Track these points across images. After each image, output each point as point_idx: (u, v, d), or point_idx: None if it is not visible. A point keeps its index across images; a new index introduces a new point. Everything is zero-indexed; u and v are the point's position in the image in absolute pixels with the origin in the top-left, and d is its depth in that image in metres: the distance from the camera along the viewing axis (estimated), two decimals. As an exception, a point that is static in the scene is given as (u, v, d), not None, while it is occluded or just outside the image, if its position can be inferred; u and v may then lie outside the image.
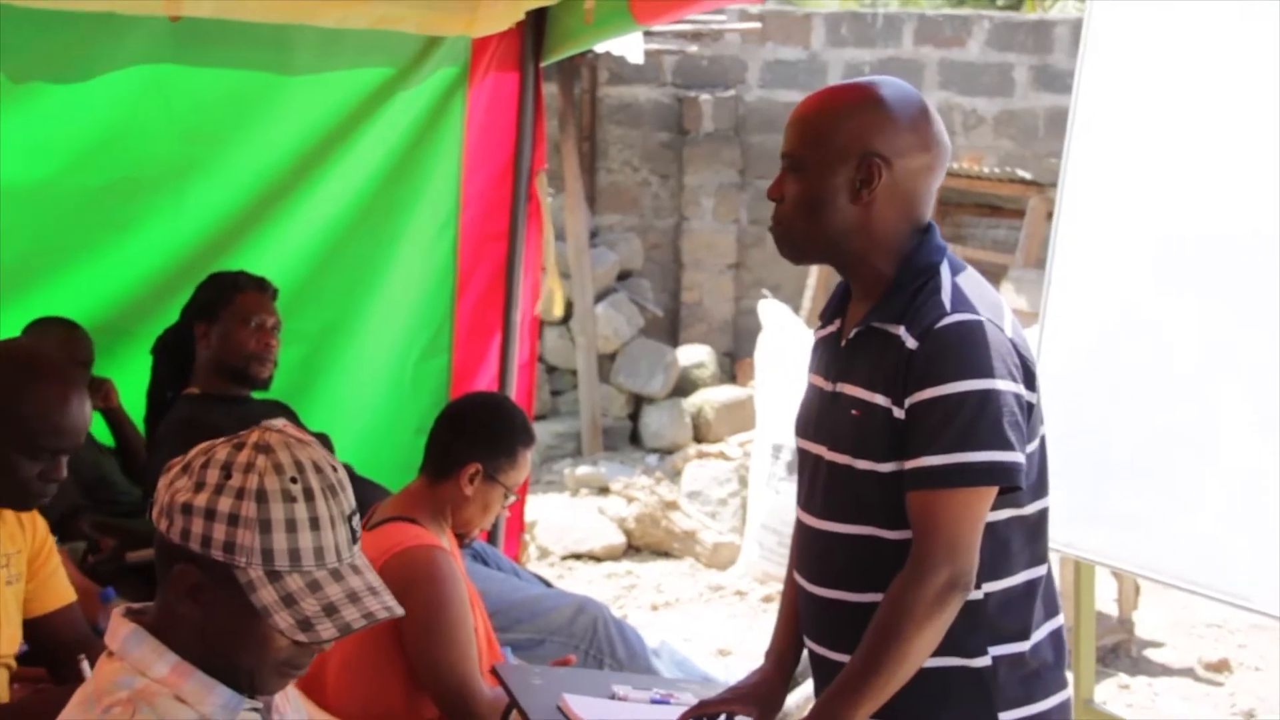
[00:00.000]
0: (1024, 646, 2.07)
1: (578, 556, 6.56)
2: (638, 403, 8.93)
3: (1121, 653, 5.32)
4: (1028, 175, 8.19)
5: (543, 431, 8.51)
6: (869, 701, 1.96)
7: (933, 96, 10.29)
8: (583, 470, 7.65)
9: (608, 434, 8.64)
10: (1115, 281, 3.42)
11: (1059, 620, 2.17)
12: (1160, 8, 3.36)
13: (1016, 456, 1.97)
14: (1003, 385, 1.97)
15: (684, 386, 8.96)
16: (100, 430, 3.97)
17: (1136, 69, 3.40)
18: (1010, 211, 8.96)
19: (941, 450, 1.95)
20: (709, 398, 8.65)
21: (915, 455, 1.98)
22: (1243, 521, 3.01)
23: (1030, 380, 2.05)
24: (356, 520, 1.65)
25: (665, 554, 6.64)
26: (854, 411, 2.07)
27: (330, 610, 1.57)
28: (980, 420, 1.95)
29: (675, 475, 7.40)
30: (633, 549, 6.69)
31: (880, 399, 2.03)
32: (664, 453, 8.34)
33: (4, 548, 2.59)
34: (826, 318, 2.24)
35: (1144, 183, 3.37)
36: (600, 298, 8.97)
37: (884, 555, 2.04)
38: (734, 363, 9.59)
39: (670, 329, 9.93)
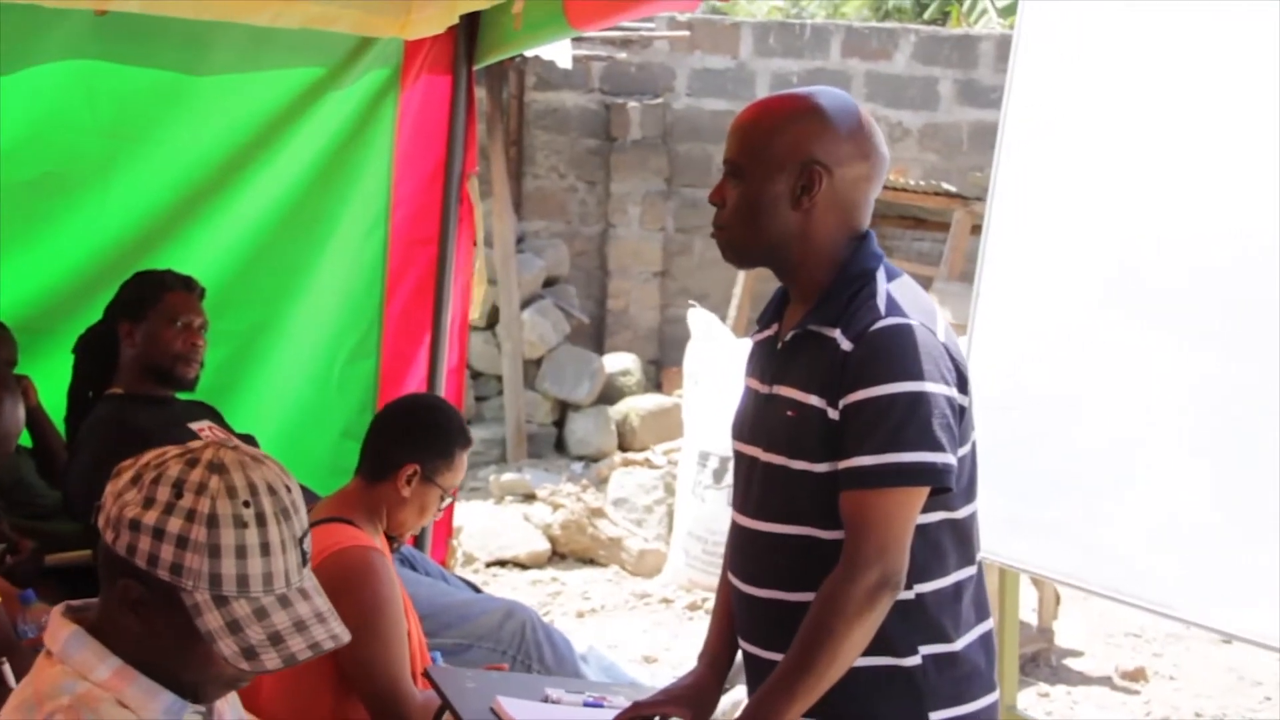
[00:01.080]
0: (955, 647, 2.11)
1: (503, 563, 6.54)
2: (563, 410, 8.92)
3: (1041, 661, 5.40)
4: (952, 188, 8.29)
5: (467, 437, 8.47)
6: (801, 700, 1.98)
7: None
8: (508, 477, 7.63)
9: (533, 441, 8.62)
10: (1044, 294, 3.47)
11: (989, 624, 2.21)
12: (1090, 20, 3.42)
13: (947, 458, 2.00)
14: (934, 388, 2.00)
15: (610, 394, 8.96)
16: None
17: (1066, 82, 3.46)
18: (935, 224, 9.06)
19: (873, 450, 1.98)
20: (635, 405, 8.66)
21: (848, 456, 2.01)
22: (1164, 531, 3.06)
23: (963, 384, 2.09)
24: (308, 542, 1.62)
25: (591, 561, 6.64)
26: (789, 412, 2.10)
27: (276, 639, 1.55)
28: (911, 421, 1.98)
29: (601, 483, 7.39)
30: (558, 556, 6.68)
31: (815, 400, 2.06)
32: (589, 460, 8.34)
33: None
34: (764, 321, 2.27)
35: (1073, 198, 3.43)
36: (526, 304, 8.95)
37: (819, 555, 2.06)
38: (660, 371, 9.60)
39: (596, 336, 9.93)
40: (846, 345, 2.04)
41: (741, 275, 8.61)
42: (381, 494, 2.84)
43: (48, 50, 3.76)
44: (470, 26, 4.11)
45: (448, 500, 2.94)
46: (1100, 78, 3.38)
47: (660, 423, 8.38)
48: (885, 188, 7.22)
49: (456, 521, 6.60)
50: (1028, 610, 5.60)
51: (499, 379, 8.81)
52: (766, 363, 2.21)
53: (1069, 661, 5.45)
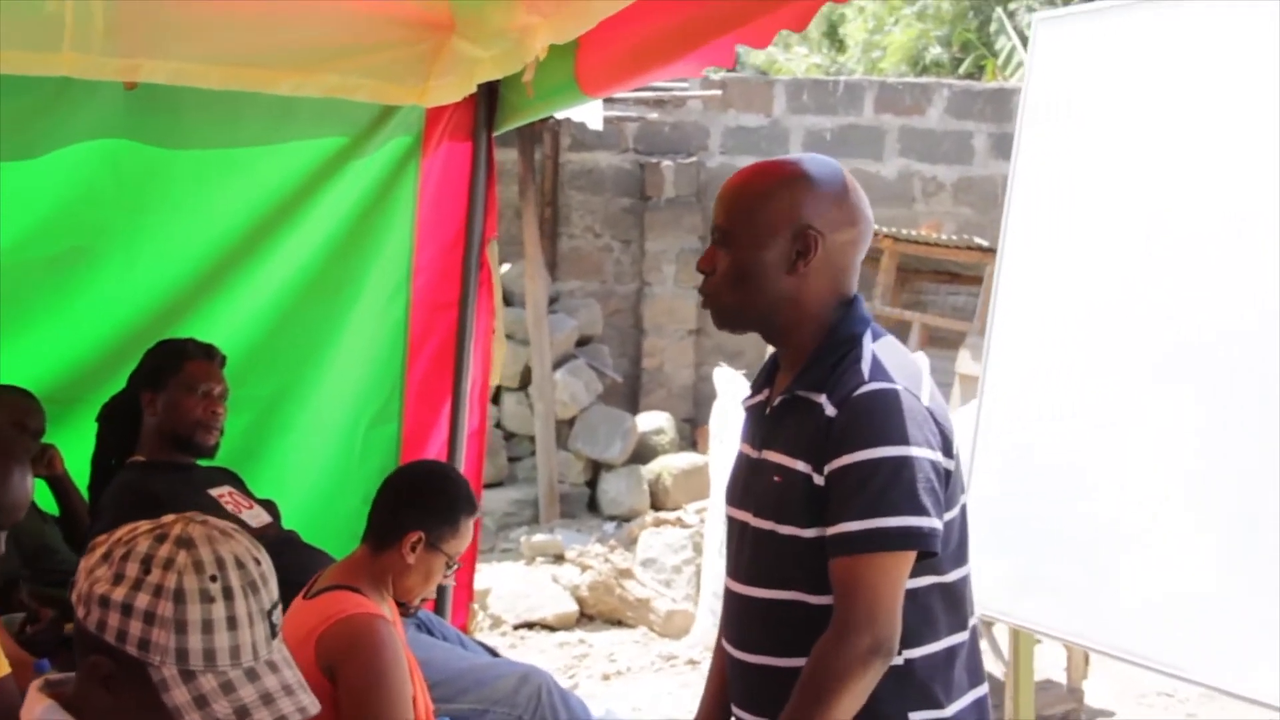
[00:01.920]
0: (946, 713, 2.10)
1: (530, 625, 6.54)
2: (596, 469, 8.93)
3: (1071, 722, 5.34)
4: (985, 242, 8.30)
5: (499, 498, 8.51)
6: None
7: (893, 164, 10.43)
8: (538, 538, 7.64)
9: (565, 501, 8.63)
10: (1055, 353, 3.47)
11: (983, 689, 2.20)
12: (1097, 77, 3.43)
13: (932, 522, 2.00)
14: (917, 452, 2.01)
15: (643, 453, 8.98)
16: (44, 498, 3.95)
17: (1073, 134, 3.47)
18: (968, 278, 9.05)
19: (857, 516, 1.99)
20: (667, 465, 8.66)
21: (834, 522, 2.01)
22: (1177, 593, 3.04)
23: (948, 448, 2.09)
24: (278, 614, 1.64)
25: (619, 622, 6.63)
26: (776, 478, 2.11)
27: (242, 713, 1.56)
28: (895, 486, 1.99)
29: (631, 543, 7.39)
30: (586, 617, 6.67)
31: (801, 465, 2.07)
32: (622, 520, 8.34)
33: None
34: (756, 387, 2.30)
35: (1083, 254, 3.43)
36: (559, 364, 8.99)
37: (808, 621, 2.07)
38: (694, 429, 9.62)
39: (631, 395, 9.96)
40: (831, 410, 2.05)
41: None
42: (387, 561, 2.86)
43: (76, 128, 3.83)
44: (490, 93, 4.17)
45: (454, 566, 2.96)
46: (1107, 129, 3.40)
47: (693, 481, 8.38)
48: (919, 242, 7.26)
49: (485, 583, 6.63)
50: (1057, 670, 5.54)
51: (532, 439, 8.85)
52: (756, 428, 2.24)
53: (1100, 722, 5.39)
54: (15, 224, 3.86)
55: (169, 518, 1.63)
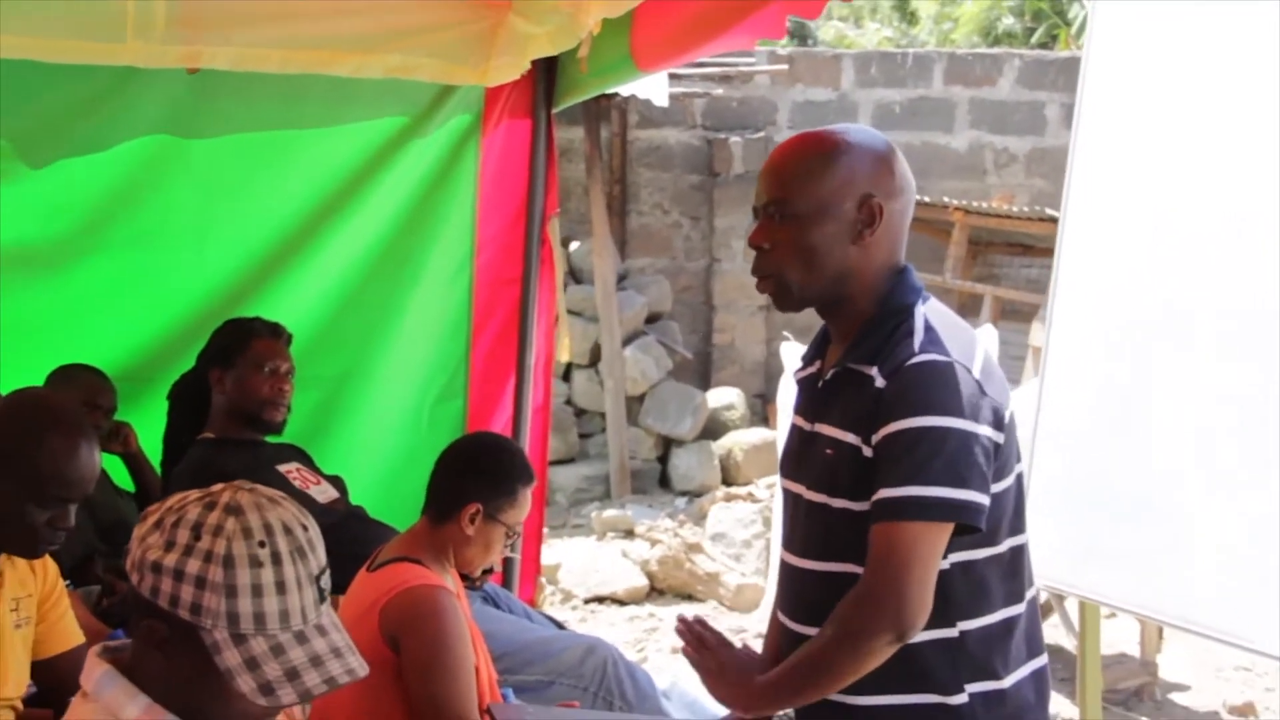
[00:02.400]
0: (1003, 684, 2.08)
1: (600, 600, 6.58)
2: (667, 445, 8.96)
3: (1145, 695, 5.28)
4: (1059, 214, 8.16)
5: (571, 474, 8.57)
6: (791, 698, 2.08)
7: (964, 135, 10.32)
8: (610, 513, 7.68)
9: (636, 477, 8.67)
10: (1117, 321, 3.43)
11: (1042, 660, 2.18)
12: (1160, 40, 3.38)
13: (973, 496, 1.98)
14: (964, 425, 1.99)
15: (713, 429, 8.99)
16: (120, 475, 4.04)
17: (1134, 105, 3.42)
18: (1042, 250, 8.95)
19: (897, 483, 1.97)
20: (738, 440, 8.67)
21: (876, 489, 2.01)
22: (1241, 563, 3.00)
23: (999, 420, 2.06)
24: (326, 579, 1.68)
25: (689, 596, 6.66)
26: (828, 451, 2.11)
27: (292, 675, 1.60)
28: (938, 456, 1.97)
29: (701, 518, 7.41)
30: (656, 591, 6.71)
31: (851, 438, 2.07)
32: (693, 495, 8.36)
33: (14, 592, 2.64)
34: (807, 359, 2.28)
35: (1146, 222, 3.39)
36: (629, 341, 9.02)
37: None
38: (765, 405, 9.61)
39: (702, 371, 9.96)
40: (881, 382, 2.04)
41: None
42: (447, 533, 2.89)
43: (144, 116, 3.93)
44: (549, 70, 4.20)
45: (514, 537, 2.99)
46: (1170, 100, 3.35)
47: (764, 456, 8.38)
48: (991, 214, 7.20)
49: (556, 558, 6.68)
50: (1131, 643, 5.49)
51: (603, 416, 8.89)
52: (808, 401, 2.23)
53: (1174, 696, 5.32)
54: (83, 211, 3.96)
55: (218, 486, 1.67)
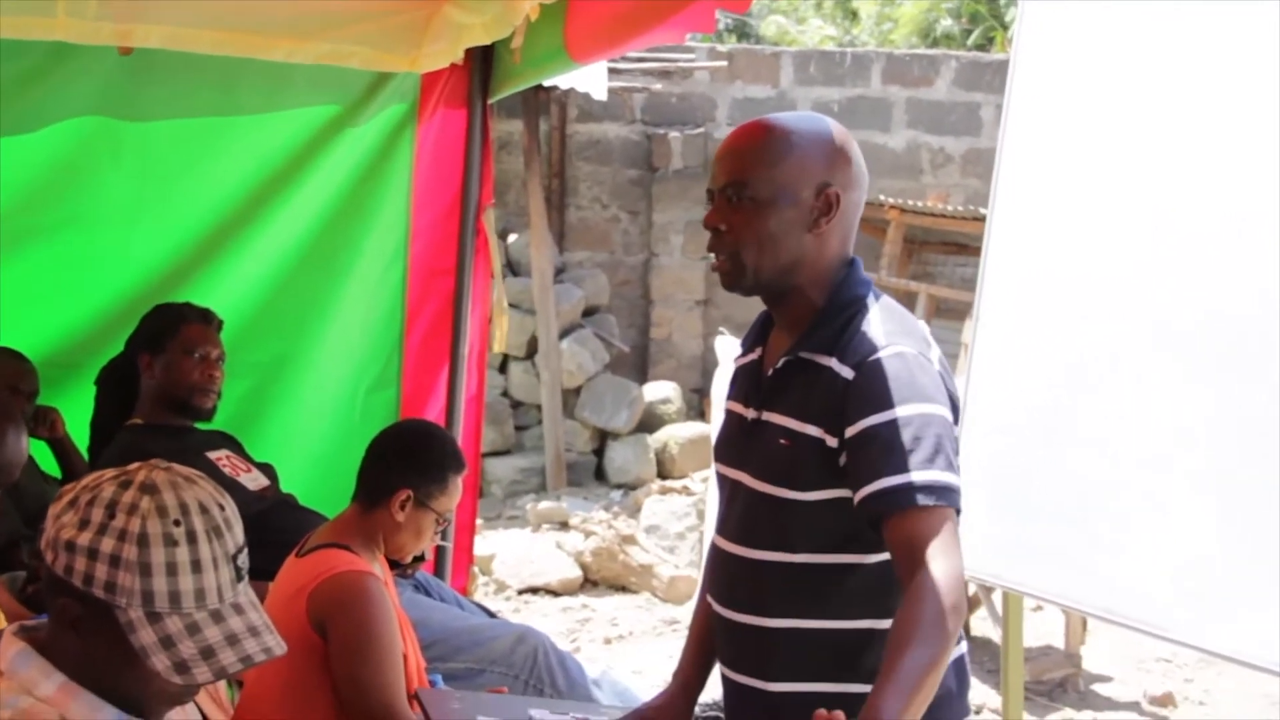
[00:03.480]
0: None
1: (535, 590, 6.59)
2: (603, 438, 8.98)
3: (1069, 686, 5.37)
4: (989, 213, 8.24)
5: (507, 466, 8.56)
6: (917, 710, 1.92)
7: (900, 135, 10.41)
8: (545, 505, 7.69)
9: (572, 469, 8.68)
10: (1045, 318, 3.47)
11: (962, 648, 2.19)
12: (1085, 45, 3.43)
13: (959, 480, 1.99)
14: (939, 410, 2.00)
15: (650, 422, 9.02)
16: (46, 460, 4.00)
17: (1063, 103, 3.47)
18: (976, 249, 8.92)
19: (896, 472, 1.95)
20: (674, 434, 8.70)
21: (867, 482, 1.97)
22: (1162, 556, 3.05)
23: (957, 412, 2.09)
24: (243, 558, 1.67)
25: (622, 588, 6.68)
26: (782, 440, 2.09)
27: (207, 653, 1.59)
28: (925, 441, 1.96)
29: (636, 510, 7.43)
30: (590, 583, 6.73)
31: (812, 429, 2.06)
32: (629, 488, 8.39)
33: None
34: (747, 345, 2.27)
35: (1074, 219, 3.43)
36: (566, 333, 9.03)
37: (798, 581, 2.08)
38: (701, 399, 9.64)
39: (640, 365, 9.99)
40: (847, 373, 2.03)
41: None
42: (377, 519, 2.89)
43: (74, 96, 3.88)
44: (485, 60, 4.19)
45: (444, 524, 2.99)
46: (1096, 100, 3.40)
47: (700, 450, 8.42)
48: (926, 213, 7.25)
49: (490, 549, 6.68)
50: (1056, 635, 5.58)
51: (538, 408, 8.89)
52: (752, 388, 2.20)
53: (1097, 687, 5.42)
54: (12, 192, 3.90)
55: (134, 465, 1.66)
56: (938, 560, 1.90)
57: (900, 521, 1.94)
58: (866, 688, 2.03)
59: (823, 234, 2.11)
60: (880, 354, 2.02)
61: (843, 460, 2.03)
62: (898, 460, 1.95)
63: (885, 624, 2.03)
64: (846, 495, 2.03)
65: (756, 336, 2.26)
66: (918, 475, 1.94)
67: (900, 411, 1.98)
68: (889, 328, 2.07)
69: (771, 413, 2.13)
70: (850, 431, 2.01)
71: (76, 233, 4.06)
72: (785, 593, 2.10)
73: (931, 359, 2.07)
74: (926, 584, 1.89)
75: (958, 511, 1.98)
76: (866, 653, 2.04)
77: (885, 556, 2.02)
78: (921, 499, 1.94)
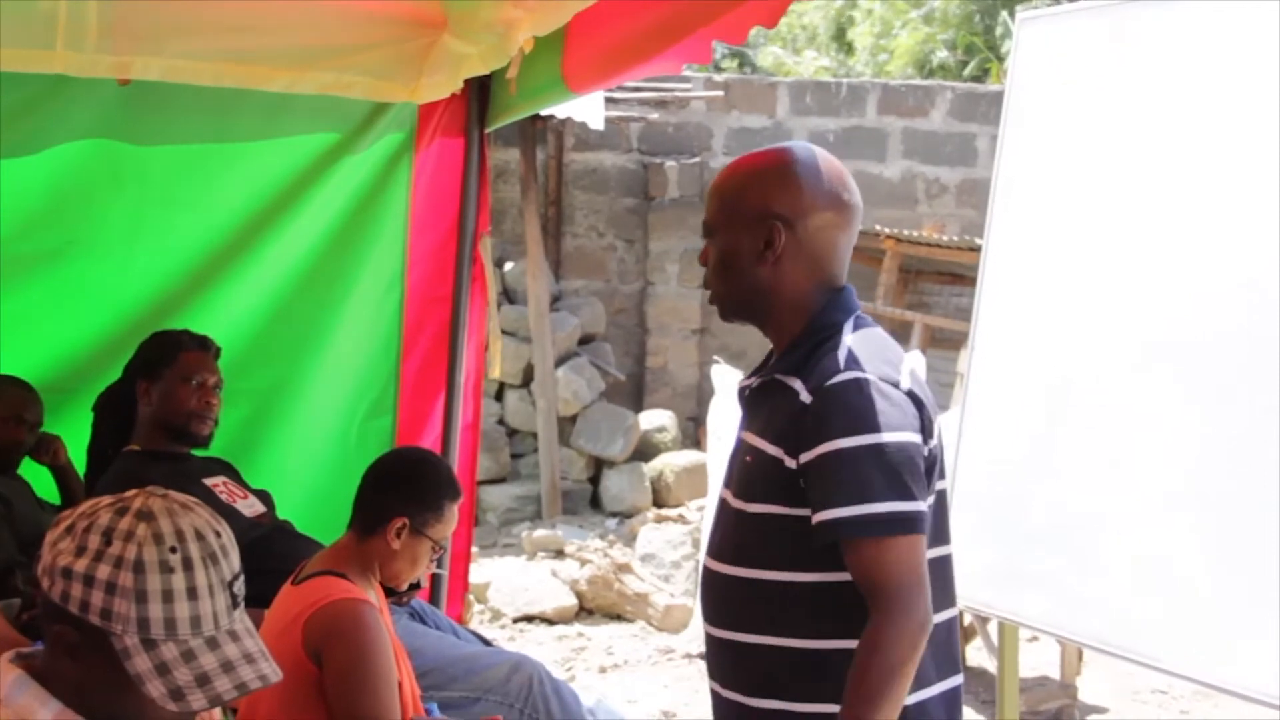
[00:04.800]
0: (922, 697, 2.10)
1: (530, 619, 6.58)
2: (598, 466, 8.97)
3: (1064, 717, 5.35)
4: (984, 243, 8.26)
5: (502, 494, 8.56)
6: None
7: (896, 165, 10.45)
8: (540, 533, 7.68)
9: (568, 497, 8.68)
10: (1037, 351, 3.49)
11: (956, 680, 2.19)
12: (1080, 76, 3.45)
13: (915, 506, 2.01)
14: (892, 437, 2.02)
15: (645, 451, 9.01)
16: (42, 486, 4.00)
17: (1055, 138, 3.50)
18: (971, 279, 8.95)
19: (847, 502, 1.99)
20: (669, 462, 8.70)
21: (822, 508, 2.03)
22: (1158, 587, 3.06)
23: (928, 430, 2.10)
24: (239, 585, 1.68)
25: (618, 616, 6.67)
26: (748, 458, 2.16)
27: (202, 680, 1.60)
28: (878, 471, 2.00)
29: (632, 539, 7.43)
30: (585, 611, 6.72)
31: (773, 449, 2.10)
32: (624, 516, 8.38)
33: None
34: (754, 373, 2.31)
35: (1063, 253, 3.46)
36: (562, 361, 9.04)
37: (764, 598, 2.11)
38: (697, 428, 9.65)
39: (635, 394, 10.00)
40: (806, 397, 2.07)
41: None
42: (373, 547, 2.90)
43: (73, 125, 3.90)
44: (482, 90, 4.22)
45: (440, 552, 3.00)
46: (1091, 128, 3.42)
47: (695, 479, 8.42)
48: (922, 243, 7.27)
49: (486, 577, 6.67)
50: (1051, 666, 5.57)
51: (534, 436, 8.89)
52: (742, 410, 2.29)
53: (1093, 718, 5.40)
54: (11, 218, 3.91)
55: (131, 492, 1.67)
56: (896, 584, 1.98)
57: (857, 549, 2.00)
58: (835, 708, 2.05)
59: (776, 264, 2.15)
60: (837, 380, 2.05)
61: (802, 483, 2.07)
62: (850, 490, 2.00)
63: (854, 644, 2.03)
64: (792, 514, 2.08)
65: (762, 364, 2.30)
66: (870, 507, 1.99)
67: (854, 441, 2.01)
68: (856, 354, 2.09)
69: (747, 431, 2.21)
70: (805, 457, 2.05)
71: (75, 258, 4.07)
72: (756, 609, 2.14)
73: (899, 380, 2.08)
74: (889, 616, 1.97)
75: (920, 532, 2.02)
76: (838, 673, 2.03)
77: (846, 577, 2.05)
78: (875, 531, 1.99)
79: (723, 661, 2.22)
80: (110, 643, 1.58)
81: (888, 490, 2.00)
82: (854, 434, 2.02)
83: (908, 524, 2.00)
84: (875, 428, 2.02)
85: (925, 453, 2.08)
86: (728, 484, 2.25)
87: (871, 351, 2.12)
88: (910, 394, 2.09)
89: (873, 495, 1.99)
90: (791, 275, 2.17)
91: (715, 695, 2.26)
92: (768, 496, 2.11)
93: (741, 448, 2.21)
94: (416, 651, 3.43)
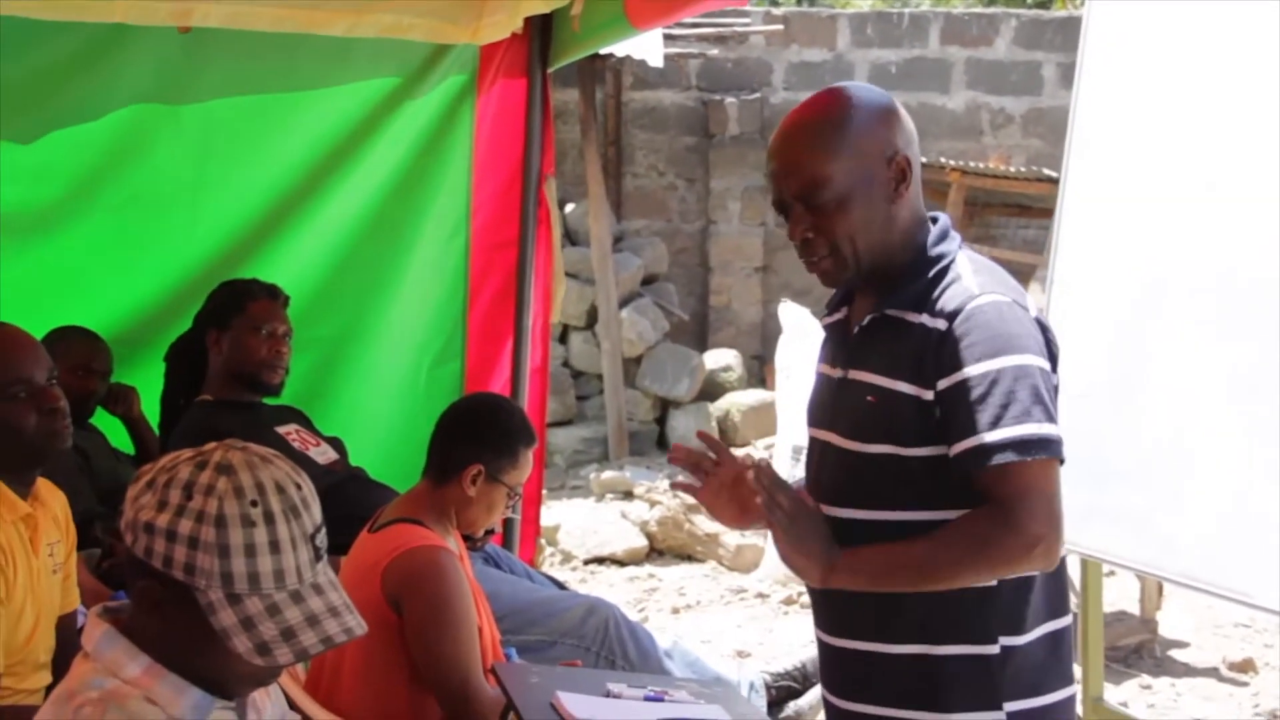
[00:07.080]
0: (1030, 637, 2.05)
1: (600, 560, 6.59)
2: (664, 407, 8.95)
3: (1145, 653, 5.29)
4: (1056, 174, 8.13)
5: (569, 437, 8.56)
6: (872, 583, 2.01)
7: (960, 96, 10.29)
8: (608, 475, 7.68)
9: (634, 438, 8.67)
10: (1117, 286, 3.42)
11: (1065, 620, 2.14)
12: (1159, 7, 3.35)
13: (1059, 431, 1.96)
14: (1036, 361, 1.97)
15: (711, 390, 8.98)
16: (119, 437, 4.03)
17: (1135, 69, 3.40)
18: (1039, 211, 8.92)
19: (998, 425, 1.92)
20: (735, 401, 8.66)
21: (966, 435, 1.95)
22: (1240, 520, 3.00)
23: (1054, 361, 2.06)
24: (321, 537, 1.66)
25: (688, 557, 6.66)
26: (869, 398, 2.07)
27: (288, 635, 1.58)
28: (1023, 394, 1.94)
29: (700, 479, 7.40)
30: (655, 552, 6.72)
31: (903, 385, 2.03)
32: (691, 456, 8.36)
33: (48, 536, 2.64)
34: (832, 306, 2.24)
35: (1144, 185, 3.37)
36: (625, 302, 9.00)
37: (890, 538, 2.03)
38: (763, 366, 9.60)
39: (699, 333, 9.95)
40: (939, 324, 2.01)
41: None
42: (449, 494, 2.88)
43: (135, 77, 3.89)
44: (544, 30, 4.16)
45: (516, 498, 2.98)
46: (1171, 61, 3.32)
47: (761, 417, 8.38)
48: (988, 175, 7.13)
49: (555, 519, 6.69)
50: (1131, 601, 5.51)
51: (600, 378, 8.88)
52: (837, 348, 2.19)
53: (1174, 653, 5.33)
54: (77, 172, 3.93)
55: (210, 445, 1.65)
56: (1033, 500, 1.91)
57: (997, 477, 1.93)
58: (968, 649, 2.01)
59: (903, 199, 2.09)
60: (974, 304, 1.99)
61: (938, 413, 2.00)
62: (993, 414, 1.93)
63: (992, 583, 1.99)
64: (918, 455, 2.02)
65: (842, 296, 2.23)
66: (1014, 430, 1.92)
67: (995, 364, 1.95)
68: (981, 280, 2.04)
69: (857, 370, 2.11)
70: (943, 384, 1.98)
71: (140, 211, 4.07)
72: None
73: (1027, 307, 2.04)
74: (1019, 525, 1.91)
75: (1061, 461, 1.96)
76: (973, 613, 2.00)
77: None
78: (1017, 455, 1.92)
79: (832, 607, 2.15)
80: (195, 598, 1.57)
81: (1035, 410, 1.94)
82: (998, 355, 1.95)
83: (1053, 447, 1.95)
84: (1021, 348, 1.97)
85: (1053, 383, 2.03)
86: (827, 424, 2.16)
87: (999, 277, 2.08)
88: (1037, 321, 2.05)
89: (1019, 416, 1.93)
90: (909, 211, 2.10)
91: (825, 645, 2.19)
92: (902, 437, 2.03)
93: (851, 386, 2.11)
94: (492, 596, 3.42)
